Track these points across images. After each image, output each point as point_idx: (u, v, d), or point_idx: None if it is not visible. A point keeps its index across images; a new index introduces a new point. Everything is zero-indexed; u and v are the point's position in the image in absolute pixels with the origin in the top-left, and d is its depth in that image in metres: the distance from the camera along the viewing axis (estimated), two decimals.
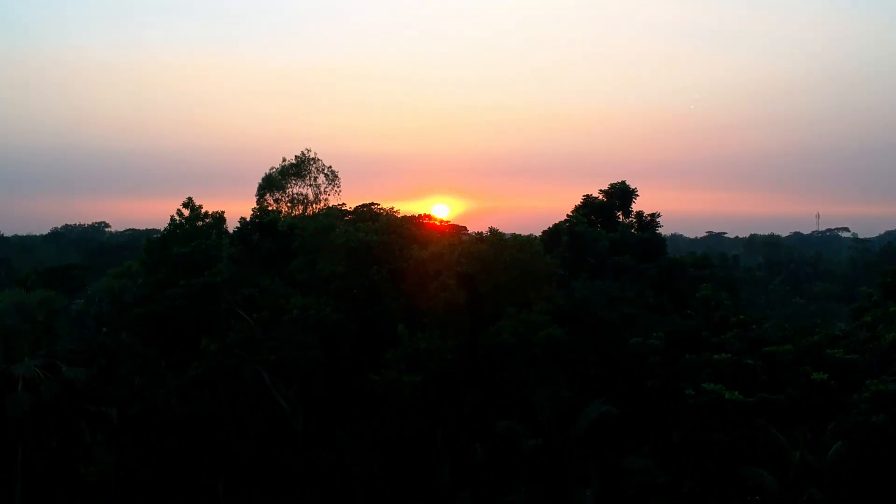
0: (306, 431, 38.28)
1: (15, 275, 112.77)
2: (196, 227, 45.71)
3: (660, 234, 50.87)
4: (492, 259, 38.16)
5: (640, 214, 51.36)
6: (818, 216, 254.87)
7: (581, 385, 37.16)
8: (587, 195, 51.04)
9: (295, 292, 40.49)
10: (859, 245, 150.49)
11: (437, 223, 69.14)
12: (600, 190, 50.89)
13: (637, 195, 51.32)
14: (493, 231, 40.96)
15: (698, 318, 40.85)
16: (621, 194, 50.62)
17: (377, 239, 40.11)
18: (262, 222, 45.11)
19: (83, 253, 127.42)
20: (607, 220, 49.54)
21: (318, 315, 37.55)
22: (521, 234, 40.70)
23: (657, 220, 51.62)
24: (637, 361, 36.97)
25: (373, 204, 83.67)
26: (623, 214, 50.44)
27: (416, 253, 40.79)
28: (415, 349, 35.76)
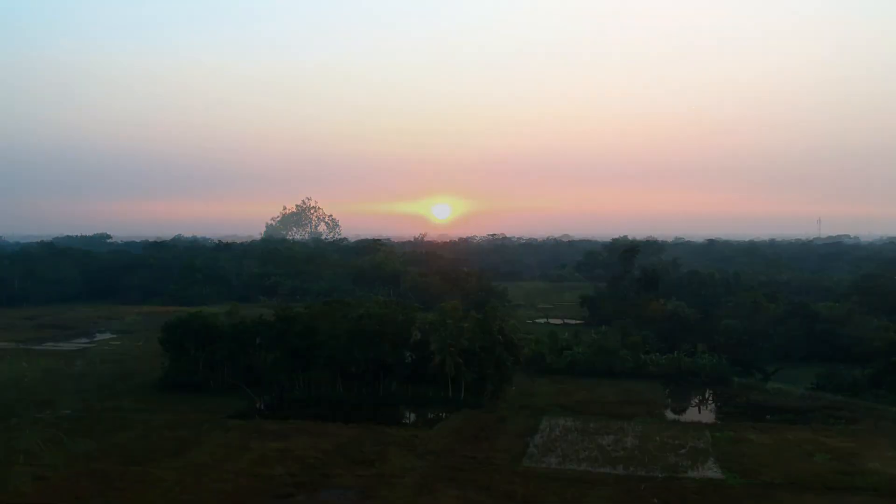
0: None
1: (16, 294, 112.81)
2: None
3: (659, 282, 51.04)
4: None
5: (644, 268, 51.83)
6: (819, 221, 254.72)
7: None
8: (590, 252, 51.15)
9: None
10: (861, 263, 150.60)
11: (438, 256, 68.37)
12: (603, 245, 51.04)
13: (640, 250, 51.77)
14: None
15: None
16: (625, 249, 50.89)
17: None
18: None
19: (83, 271, 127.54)
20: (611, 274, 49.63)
21: None
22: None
23: (657, 273, 52.09)
24: None
25: (375, 240, 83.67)
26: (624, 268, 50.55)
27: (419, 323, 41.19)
28: None
